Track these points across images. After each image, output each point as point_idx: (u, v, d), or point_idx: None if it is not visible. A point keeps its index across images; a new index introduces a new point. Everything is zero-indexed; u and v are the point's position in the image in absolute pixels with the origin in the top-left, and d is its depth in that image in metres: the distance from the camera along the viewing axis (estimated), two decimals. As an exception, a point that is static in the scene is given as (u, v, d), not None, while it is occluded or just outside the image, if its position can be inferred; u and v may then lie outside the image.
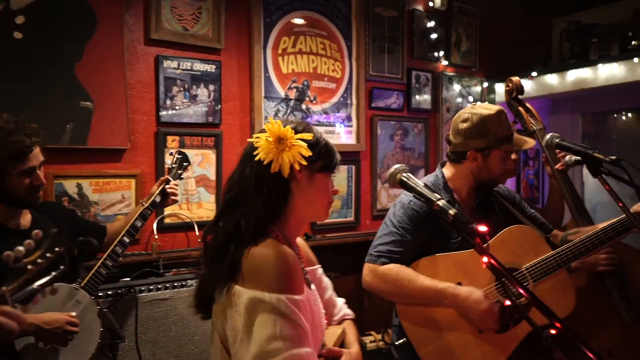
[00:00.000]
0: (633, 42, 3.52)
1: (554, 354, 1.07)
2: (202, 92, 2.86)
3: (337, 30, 3.36)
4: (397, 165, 1.38)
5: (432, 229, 1.85)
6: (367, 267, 1.87)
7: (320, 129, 3.18)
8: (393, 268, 1.79)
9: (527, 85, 3.96)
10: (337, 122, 3.37)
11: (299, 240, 1.42)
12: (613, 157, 1.78)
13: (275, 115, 3.11)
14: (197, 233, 2.77)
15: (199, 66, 2.85)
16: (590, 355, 1.00)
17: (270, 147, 1.19)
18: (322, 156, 1.25)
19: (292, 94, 3.18)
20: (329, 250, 3.23)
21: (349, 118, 3.43)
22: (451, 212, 1.15)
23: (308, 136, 1.22)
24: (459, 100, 3.97)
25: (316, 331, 1.20)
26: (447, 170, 2.01)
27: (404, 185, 1.33)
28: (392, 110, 3.63)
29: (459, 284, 1.83)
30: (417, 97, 3.75)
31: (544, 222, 2.09)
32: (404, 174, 1.35)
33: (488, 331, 1.78)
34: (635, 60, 3.35)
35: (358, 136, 3.46)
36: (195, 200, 2.85)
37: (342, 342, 1.38)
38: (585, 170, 3.74)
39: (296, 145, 1.19)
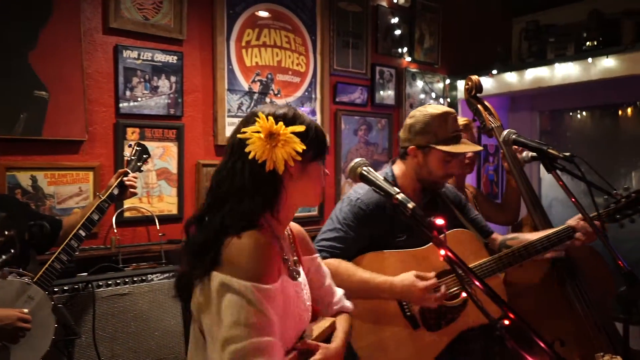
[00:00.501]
0: (587, 43, 3.64)
1: (507, 344, 1.10)
2: (164, 84, 2.81)
3: (301, 24, 3.35)
4: (357, 159, 1.39)
5: (376, 228, 1.88)
6: None
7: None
8: (333, 262, 1.81)
9: (488, 83, 4.05)
10: (301, 116, 3.36)
11: (298, 229, 1.43)
12: (567, 154, 1.84)
13: (239, 108, 3.09)
14: (157, 227, 2.72)
15: (160, 57, 2.79)
16: (541, 344, 1.03)
17: (262, 145, 1.16)
18: (314, 145, 1.23)
19: (256, 87, 3.16)
20: (292, 245, 3.23)
21: (313, 112, 3.43)
22: (409, 205, 1.17)
23: (300, 128, 1.19)
24: (422, 96, 4.02)
25: (292, 322, 1.20)
26: (397, 168, 2.02)
27: (364, 179, 1.35)
28: (356, 105, 3.66)
29: None
30: (381, 92, 3.79)
31: (485, 225, 2.14)
32: (365, 168, 1.36)
33: (430, 306, 1.81)
34: (590, 60, 3.47)
35: (322, 130, 3.46)
36: (156, 194, 2.80)
37: (329, 336, 1.35)
38: (542, 167, 3.88)
39: (289, 140, 1.17)
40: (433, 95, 4.09)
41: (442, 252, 1.11)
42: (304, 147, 1.17)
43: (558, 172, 1.84)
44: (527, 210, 2.57)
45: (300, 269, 1.33)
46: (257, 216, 1.18)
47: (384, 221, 1.86)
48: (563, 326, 2.27)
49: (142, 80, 2.74)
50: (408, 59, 3.95)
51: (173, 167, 2.86)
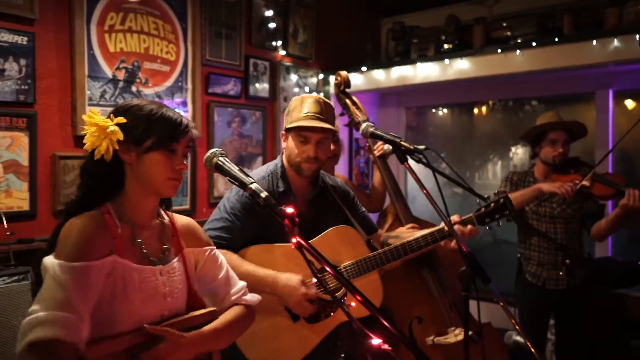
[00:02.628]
0: (445, 45, 3.96)
1: (353, 324, 1.16)
2: (12, 67, 2.54)
3: (170, 11, 3.23)
4: (213, 150, 1.39)
5: (264, 220, 1.87)
6: None
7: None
8: None
9: (359, 79, 4.24)
10: (173, 107, 3.24)
11: (185, 222, 1.45)
12: (421, 147, 1.98)
13: (102, 96, 2.90)
14: (5, 225, 2.47)
15: (7, 37, 2.52)
16: (388, 325, 1.10)
17: (91, 137, 1.27)
18: (150, 133, 1.28)
19: (121, 75, 2.99)
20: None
21: (184, 103, 3.33)
22: (262, 195, 1.19)
23: (120, 120, 1.28)
24: (296, 90, 4.09)
25: (132, 304, 1.24)
26: (284, 158, 2.05)
27: (220, 169, 1.35)
28: (230, 97, 3.62)
29: None
30: (256, 85, 3.78)
31: (371, 222, 2.24)
32: (220, 158, 1.36)
33: (302, 315, 1.89)
34: (447, 61, 3.78)
35: (194, 122, 3.37)
36: (4, 189, 2.54)
37: (200, 325, 1.36)
38: (411, 161, 4.16)
39: (112, 131, 1.26)
40: (307, 89, 4.18)
41: (294, 240, 1.14)
42: (122, 138, 1.27)
43: (437, 167, 1.99)
44: (390, 199, 2.74)
45: (176, 258, 1.37)
46: (97, 202, 1.29)
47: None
48: (421, 306, 2.46)
49: (-16, 62, 2.46)
50: (282, 52, 3.99)
51: (24, 159, 2.60)
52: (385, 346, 1.09)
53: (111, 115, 1.30)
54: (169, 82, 3.23)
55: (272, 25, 3.88)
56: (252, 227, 1.90)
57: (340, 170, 4.24)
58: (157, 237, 1.38)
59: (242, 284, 1.53)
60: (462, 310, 1.74)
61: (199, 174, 3.42)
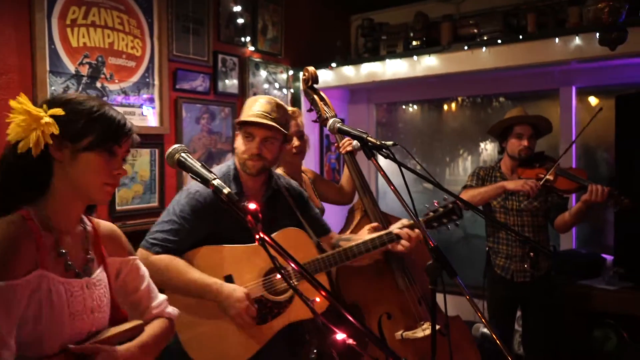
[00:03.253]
0: (414, 42, 3.99)
1: (316, 320, 1.15)
2: (-32, 62, 2.46)
3: (135, 5, 3.16)
4: (175, 145, 1.36)
5: (216, 221, 1.89)
6: (140, 253, 1.87)
7: (121, 110, 2.99)
8: (164, 259, 1.81)
9: (329, 75, 4.24)
10: (140, 103, 3.19)
11: (108, 228, 1.34)
12: (388, 142, 1.99)
13: (65, 92, 2.82)
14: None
15: (-38, 31, 2.44)
16: (354, 322, 1.09)
17: (18, 127, 1.12)
18: (90, 131, 1.16)
19: (85, 70, 2.91)
20: (131, 238, 3.04)
21: (151, 99, 3.27)
22: (225, 191, 1.18)
23: (57, 111, 1.14)
24: (266, 86, 4.06)
25: (61, 320, 1.13)
26: (236, 159, 2.07)
27: (182, 166, 1.32)
28: (198, 93, 3.57)
29: (230, 276, 1.91)
30: (225, 81, 3.74)
31: (323, 224, 2.25)
32: (183, 154, 1.33)
33: (242, 326, 1.89)
34: (415, 58, 3.81)
35: (161, 118, 3.32)
36: (-39, 188, 2.45)
37: (128, 339, 1.27)
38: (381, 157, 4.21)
39: (47, 123, 1.12)
40: (277, 85, 4.16)
41: (257, 236, 1.13)
42: (57, 132, 1.13)
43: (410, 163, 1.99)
44: (358, 195, 2.75)
45: (99, 269, 1.26)
46: (13, 204, 1.14)
47: (220, 216, 1.86)
48: (389, 302, 2.48)
49: (-62, 56, 2.36)
50: (251, 48, 3.95)
51: (-18, 157, 2.52)
52: (350, 341, 1.08)
53: (44, 105, 1.16)
54: (135, 78, 3.17)
55: (240, 20, 3.84)
56: (200, 230, 1.90)
57: (311, 166, 4.24)
58: (80, 245, 1.24)
59: (163, 296, 1.45)
60: (430, 304, 1.76)
61: (167, 170, 3.37)
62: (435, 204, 2.19)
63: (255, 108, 1.97)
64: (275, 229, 2.01)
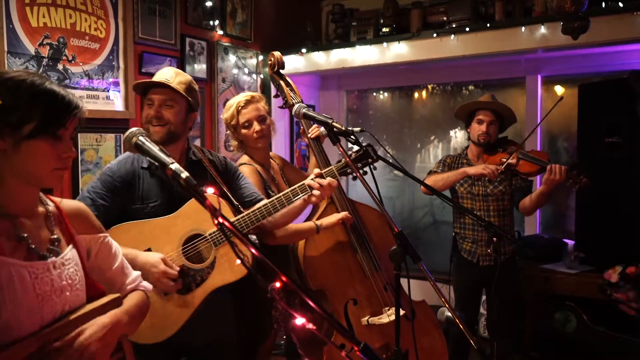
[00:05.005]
0: (384, 29, 3.98)
1: (278, 305, 1.15)
2: None
3: (99, -15, 3.07)
4: (133, 129, 1.33)
5: (126, 195, 1.93)
6: None
7: (80, 93, 2.91)
8: None
9: (299, 61, 4.20)
10: (105, 87, 3.11)
11: (73, 206, 1.31)
12: (356, 129, 1.99)
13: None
14: None
15: None
16: (307, 300, 1.10)
17: None
18: (31, 117, 1.09)
19: (45, 52, 2.82)
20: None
21: (116, 83, 3.19)
22: (183, 175, 1.16)
23: None
24: (235, 71, 4.01)
25: (30, 304, 1.11)
26: None
27: (139, 149, 1.30)
28: (165, 77, 3.49)
29: (149, 249, 1.91)
30: (193, 65, 3.68)
31: (253, 194, 2.18)
32: (140, 138, 1.30)
33: (166, 292, 1.89)
34: (385, 44, 3.81)
35: (127, 103, 3.25)
36: None
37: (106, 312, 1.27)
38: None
39: None
40: (246, 70, 4.11)
41: (216, 222, 1.11)
42: None
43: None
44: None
45: (68, 248, 1.24)
46: None
47: (132, 189, 1.93)
48: (355, 288, 2.50)
49: None
50: (220, 32, 3.89)
51: None
52: (310, 325, 1.08)
53: None
54: (99, 61, 3.08)
55: (209, 3, 3.77)
56: (114, 203, 1.92)
57: (281, 152, 4.22)
58: (43, 226, 1.21)
59: (137, 273, 1.46)
60: (395, 289, 1.78)
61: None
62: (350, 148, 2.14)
63: (156, 77, 2.02)
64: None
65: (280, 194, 2.05)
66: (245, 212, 1.99)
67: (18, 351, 1.05)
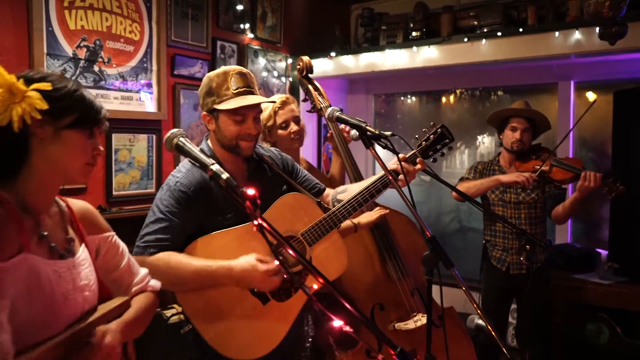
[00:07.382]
0: (413, 33, 3.96)
1: (314, 305, 1.15)
2: (-36, 42, 2.43)
3: (134, -11, 3.13)
4: (174, 130, 1.35)
5: (203, 209, 1.78)
6: (136, 260, 1.78)
7: (115, 94, 2.96)
8: (162, 257, 1.70)
9: (327, 65, 4.21)
10: (138, 88, 3.16)
11: (81, 206, 1.30)
12: (387, 133, 1.98)
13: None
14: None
15: (-42, 10, 2.40)
16: (352, 310, 1.08)
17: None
18: (73, 109, 1.13)
19: (82, 54, 2.89)
20: (127, 224, 3.02)
21: (149, 85, 3.25)
22: (223, 176, 1.16)
23: (45, 86, 1.09)
24: (265, 74, 4.04)
25: (51, 303, 1.10)
26: (211, 141, 1.93)
27: (180, 150, 1.31)
28: (196, 80, 3.54)
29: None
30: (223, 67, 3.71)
31: (317, 184, 2.12)
32: (181, 139, 1.32)
33: (271, 290, 1.79)
34: (415, 49, 3.79)
35: (159, 104, 3.30)
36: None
37: (117, 316, 1.26)
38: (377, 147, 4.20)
39: (29, 96, 1.07)
40: (275, 73, 4.13)
41: (256, 222, 1.12)
42: (46, 106, 1.08)
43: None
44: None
45: (81, 248, 1.23)
46: None
47: (208, 201, 1.79)
48: (382, 293, 2.49)
49: None
50: (250, 35, 3.92)
51: (-23, 139, 2.49)
52: (347, 328, 1.07)
53: (21, 80, 1.10)
54: (133, 63, 3.14)
55: (239, 7, 3.81)
56: (191, 222, 1.78)
57: (309, 156, 4.23)
58: (59, 226, 1.21)
59: (144, 271, 1.43)
60: (425, 294, 1.76)
61: (164, 157, 3.35)
62: (424, 132, 2.08)
63: (234, 86, 1.79)
64: (270, 200, 1.88)
65: (365, 186, 1.93)
66: (334, 209, 1.90)
67: (47, 352, 1.04)
